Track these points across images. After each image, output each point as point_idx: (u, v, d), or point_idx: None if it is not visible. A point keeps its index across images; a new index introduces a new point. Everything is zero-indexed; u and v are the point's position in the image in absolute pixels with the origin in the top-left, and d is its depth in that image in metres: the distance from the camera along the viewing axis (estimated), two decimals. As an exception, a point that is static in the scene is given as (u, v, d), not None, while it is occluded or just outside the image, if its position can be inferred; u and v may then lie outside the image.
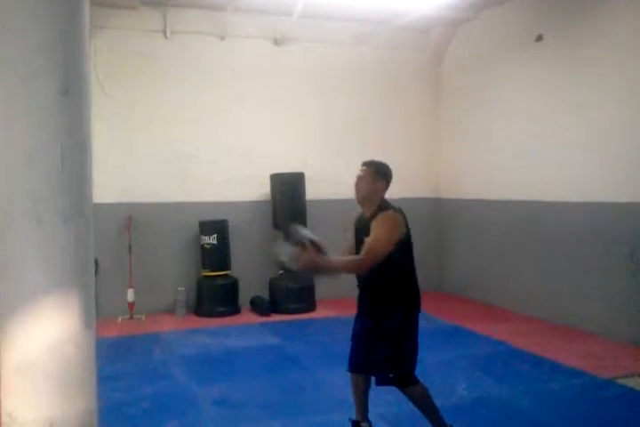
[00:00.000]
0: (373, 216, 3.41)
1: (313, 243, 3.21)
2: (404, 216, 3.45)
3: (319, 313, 7.64)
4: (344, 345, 6.24)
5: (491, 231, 7.71)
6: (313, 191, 8.01)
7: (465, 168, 8.43)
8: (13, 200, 2.10)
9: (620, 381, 4.84)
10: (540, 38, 6.98)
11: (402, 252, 3.38)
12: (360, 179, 3.59)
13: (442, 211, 8.82)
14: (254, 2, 7.42)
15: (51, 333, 2.14)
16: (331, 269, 3.28)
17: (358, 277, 3.61)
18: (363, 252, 3.28)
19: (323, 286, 7.89)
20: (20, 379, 2.13)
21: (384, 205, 3.47)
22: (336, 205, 8.44)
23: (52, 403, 2.14)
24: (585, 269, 6.42)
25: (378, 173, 3.57)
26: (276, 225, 7.85)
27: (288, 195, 7.72)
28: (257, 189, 8.06)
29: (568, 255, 6.62)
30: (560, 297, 6.72)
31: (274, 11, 7.73)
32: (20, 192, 2.09)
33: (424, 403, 3.48)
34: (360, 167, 3.64)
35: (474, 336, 6.25)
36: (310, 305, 7.77)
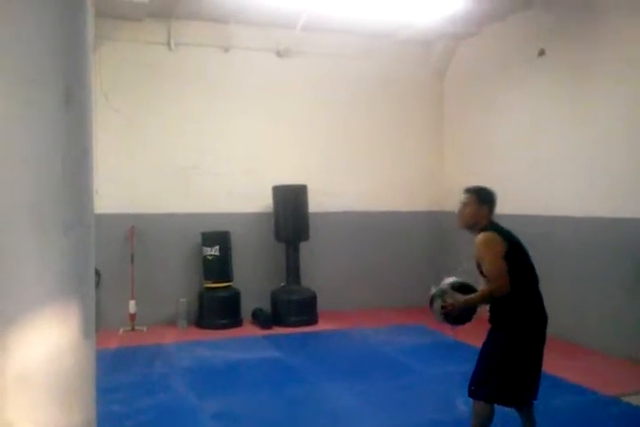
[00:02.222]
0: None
1: (453, 286, 3.42)
2: (505, 232, 3.50)
3: (321, 326, 7.60)
4: (345, 358, 6.20)
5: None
6: (316, 204, 8.01)
7: (468, 182, 8.37)
8: (14, 208, 2.08)
9: (625, 398, 4.78)
10: (542, 53, 7.00)
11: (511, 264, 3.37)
12: (464, 206, 3.61)
13: (445, 225, 8.78)
14: (258, 14, 7.47)
15: (50, 343, 2.11)
16: (474, 304, 3.41)
17: None
18: (487, 281, 3.34)
19: (325, 299, 7.87)
20: (19, 389, 2.11)
21: (490, 228, 3.52)
22: (339, 217, 8.46)
23: (51, 414, 2.11)
24: (586, 285, 6.37)
25: (481, 200, 3.59)
26: (278, 238, 7.83)
27: (291, 207, 7.71)
28: (260, 200, 8.05)
29: (569, 270, 6.57)
30: (561, 313, 6.63)
31: (277, 23, 7.79)
32: (20, 201, 2.07)
33: (478, 423, 3.45)
34: (462, 194, 3.67)
35: (475, 351, 6.18)
36: (312, 318, 7.73)
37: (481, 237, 3.42)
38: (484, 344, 3.51)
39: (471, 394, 3.43)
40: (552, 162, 6.91)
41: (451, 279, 3.51)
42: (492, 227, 3.52)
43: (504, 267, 3.29)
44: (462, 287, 3.44)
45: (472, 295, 3.35)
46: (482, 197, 3.60)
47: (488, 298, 3.36)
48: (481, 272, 3.46)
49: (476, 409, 3.43)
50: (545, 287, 6.89)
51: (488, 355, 3.45)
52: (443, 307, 3.38)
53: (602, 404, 4.73)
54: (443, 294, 3.39)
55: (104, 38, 7.10)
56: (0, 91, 2.05)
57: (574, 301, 6.49)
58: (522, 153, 7.39)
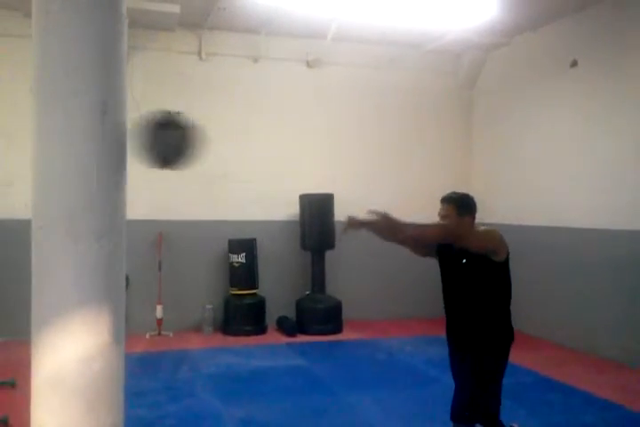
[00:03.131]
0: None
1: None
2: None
3: (346, 335, 7.58)
4: (370, 368, 6.17)
5: (522, 257, 7.56)
6: (342, 212, 7.98)
7: (496, 192, 8.35)
8: (49, 216, 2.14)
9: (656, 414, 4.69)
10: (574, 64, 6.93)
11: (497, 276, 3.20)
12: (443, 218, 3.28)
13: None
14: (288, 25, 7.55)
15: (81, 347, 2.16)
16: (401, 225, 3.10)
17: (449, 305, 3.43)
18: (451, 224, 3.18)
19: (351, 308, 7.85)
20: (50, 392, 2.16)
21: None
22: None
23: (80, 417, 2.16)
24: (617, 299, 6.26)
25: (462, 209, 3.28)
26: (304, 246, 7.86)
27: (317, 215, 7.73)
28: (286, 209, 8.09)
29: (601, 284, 6.46)
30: (591, 326, 6.56)
31: (307, 34, 7.86)
32: (55, 208, 2.13)
33: None
34: (440, 205, 3.35)
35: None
36: (337, 327, 7.72)
37: (490, 230, 3.23)
38: (466, 367, 3.27)
39: (463, 420, 3.23)
40: (582, 173, 6.82)
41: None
42: None
43: (465, 237, 3.10)
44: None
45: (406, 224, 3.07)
46: (463, 207, 3.27)
47: (419, 229, 3.12)
48: (446, 271, 3.35)
49: None
50: (577, 300, 6.80)
51: (476, 377, 3.22)
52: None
53: (632, 420, 4.63)
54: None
55: (136, 48, 7.23)
56: (40, 104, 2.12)
57: (607, 315, 6.38)
58: (552, 164, 7.31)
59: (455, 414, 3.30)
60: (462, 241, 3.12)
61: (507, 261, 3.25)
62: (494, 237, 3.19)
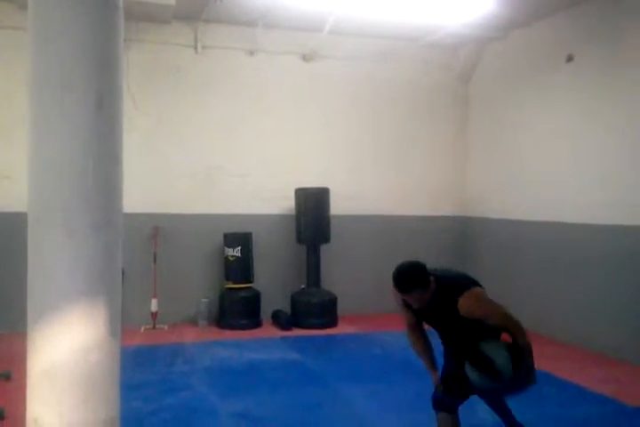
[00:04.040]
0: (450, 300, 3.17)
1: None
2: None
3: (340, 329, 7.61)
4: (365, 362, 6.20)
5: (517, 251, 7.63)
6: (338, 207, 8.03)
7: (491, 187, 8.37)
8: (45, 209, 2.14)
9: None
10: (570, 59, 6.94)
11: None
12: (418, 301, 3.25)
13: (467, 230, 8.75)
14: (284, 18, 7.53)
15: (77, 340, 2.16)
16: (531, 365, 3.18)
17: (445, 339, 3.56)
18: (511, 331, 3.20)
19: (345, 302, 7.89)
20: (46, 385, 2.16)
21: (447, 286, 3.24)
22: (360, 220, 8.47)
23: (76, 410, 2.16)
24: (614, 295, 6.29)
25: (425, 285, 3.19)
26: (299, 240, 7.87)
27: (312, 209, 7.74)
28: (282, 203, 8.10)
29: (597, 280, 6.50)
30: (587, 322, 6.59)
31: (303, 27, 7.83)
32: (51, 201, 2.13)
33: None
34: (404, 294, 3.26)
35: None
36: (332, 321, 7.74)
37: (472, 295, 3.18)
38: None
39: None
40: (579, 169, 6.83)
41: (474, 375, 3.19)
42: (450, 283, 3.27)
43: (512, 316, 3.20)
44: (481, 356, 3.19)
45: (525, 363, 3.12)
46: (424, 283, 3.19)
47: (530, 350, 3.19)
48: (469, 327, 3.29)
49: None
50: (573, 296, 6.82)
51: None
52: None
53: (626, 414, 4.67)
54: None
55: (131, 41, 7.20)
56: (36, 97, 2.11)
57: (603, 310, 6.42)
58: (547, 158, 7.33)
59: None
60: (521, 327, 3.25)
61: None
62: (494, 302, 3.29)
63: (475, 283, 3.38)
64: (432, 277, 3.22)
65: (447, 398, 3.45)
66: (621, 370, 5.84)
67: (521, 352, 3.14)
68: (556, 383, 5.40)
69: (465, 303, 3.13)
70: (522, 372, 3.11)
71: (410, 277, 3.20)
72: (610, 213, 6.33)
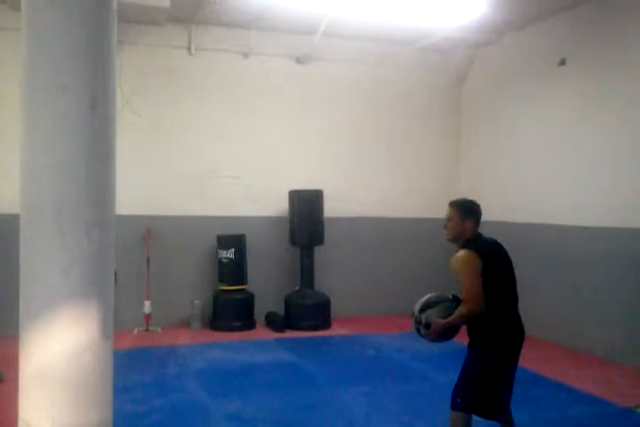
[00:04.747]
0: None
1: (428, 305, 3.47)
2: (487, 246, 3.53)
3: (334, 331, 7.61)
4: (358, 364, 6.20)
5: (511, 254, 7.62)
6: (331, 209, 8.04)
7: (485, 189, 8.39)
8: (37, 210, 2.14)
9: (640, 410, 4.75)
10: (563, 62, 6.98)
11: (492, 283, 3.38)
12: (448, 220, 3.61)
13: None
14: (278, 21, 7.54)
15: (69, 342, 2.15)
16: (454, 325, 3.39)
17: None
18: (463, 300, 3.35)
19: (339, 304, 7.89)
20: (38, 387, 2.15)
21: (472, 241, 3.51)
22: (354, 222, 8.48)
23: (69, 412, 2.16)
24: (604, 296, 6.32)
25: (465, 213, 3.58)
26: (293, 242, 7.87)
27: (306, 212, 7.74)
28: (275, 205, 8.10)
29: (589, 281, 6.52)
30: (578, 323, 6.62)
31: (297, 30, 7.85)
32: (44, 203, 2.12)
33: None
34: (447, 208, 3.65)
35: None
36: (325, 322, 7.74)
37: (457, 254, 3.45)
38: (467, 359, 3.52)
39: (455, 406, 3.43)
40: (573, 171, 6.87)
41: (424, 299, 3.52)
42: (475, 240, 3.53)
43: (478, 287, 3.29)
44: (439, 302, 3.47)
45: (449, 318, 3.35)
46: (465, 211, 3.59)
47: (465, 319, 3.36)
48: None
49: (454, 421, 3.42)
50: (566, 298, 6.85)
51: (471, 369, 3.45)
52: (427, 334, 3.43)
53: (616, 415, 4.69)
54: (419, 321, 3.44)
55: (125, 43, 7.19)
56: (30, 98, 2.11)
57: (595, 312, 6.45)
58: (541, 161, 7.36)
59: (451, 400, 3.47)
60: (477, 290, 3.32)
61: (491, 270, 3.42)
62: (471, 267, 3.38)
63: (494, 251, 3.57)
64: (472, 220, 3.56)
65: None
66: (612, 371, 5.87)
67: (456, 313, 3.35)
68: (547, 385, 5.42)
69: (452, 258, 3.46)
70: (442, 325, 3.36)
71: (463, 200, 3.71)
72: (602, 216, 6.36)
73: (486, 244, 3.56)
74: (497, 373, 3.42)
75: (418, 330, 3.51)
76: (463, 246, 3.50)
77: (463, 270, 3.37)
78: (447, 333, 3.43)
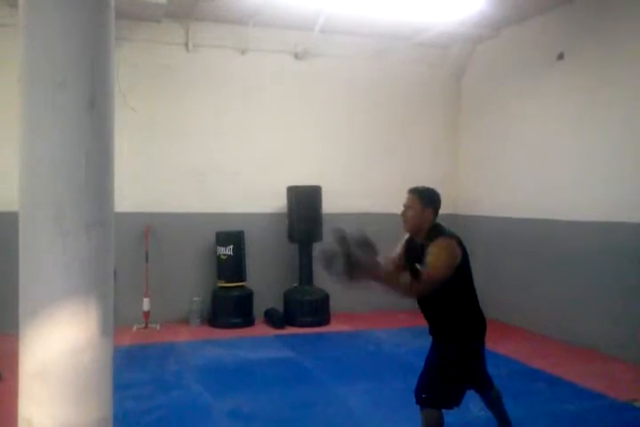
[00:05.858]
0: (427, 242, 3.29)
1: (362, 243, 3.18)
2: (460, 241, 3.31)
3: (333, 327, 7.61)
4: (358, 360, 6.21)
5: (509, 249, 7.65)
6: (330, 205, 8.03)
7: (483, 184, 8.40)
8: (37, 208, 2.13)
9: (639, 404, 4.76)
10: (561, 57, 6.97)
11: (458, 279, 3.26)
12: (407, 208, 3.41)
13: (458, 227, 8.73)
14: (276, 17, 7.51)
15: (69, 340, 2.15)
16: (386, 283, 3.17)
17: (420, 305, 3.54)
18: (421, 277, 3.17)
19: (338, 300, 7.89)
20: (38, 385, 2.15)
21: (437, 230, 3.33)
22: (352, 218, 8.45)
23: (69, 410, 2.15)
24: (603, 291, 6.33)
25: (425, 201, 3.39)
26: (291, 238, 7.86)
27: (305, 208, 7.74)
28: (274, 201, 8.09)
29: (586, 276, 6.53)
30: (578, 318, 6.63)
31: (295, 26, 7.82)
32: (44, 201, 2.12)
33: None
34: (406, 195, 3.45)
35: (489, 355, 6.17)
36: (325, 319, 7.75)
37: (446, 242, 3.24)
38: (435, 356, 3.46)
39: (422, 402, 3.35)
40: (570, 166, 6.87)
41: (365, 235, 3.20)
42: (450, 234, 3.33)
43: (443, 279, 3.14)
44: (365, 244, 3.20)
45: (394, 276, 3.21)
46: (426, 199, 3.38)
47: (404, 292, 3.21)
48: (409, 263, 3.39)
49: (427, 417, 3.35)
50: (564, 292, 6.86)
51: (440, 366, 3.38)
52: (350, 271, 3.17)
53: (615, 409, 4.71)
54: (348, 254, 3.12)
55: (122, 39, 7.16)
56: (28, 96, 2.10)
57: (593, 306, 6.46)
58: (539, 156, 7.36)
59: (415, 395, 3.40)
60: (441, 280, 3.17)
61: (465, 262, 3.32)
62: (452, 257, 3.23)
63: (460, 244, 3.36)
64: (432, 210, 3.37)
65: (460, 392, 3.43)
66: (613, 366, 5.88)
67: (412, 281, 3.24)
68: (547, 379, 5.43)
69: (436, 243, 3.23)
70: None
71: (424, 188, 3.48)
72: (600, 211, 6.37)
73: (454, 233, 3.38)
74: (470, 363, 3.41)
75: (330, 259, 3.26)
76: (436, 235, 3.28)
77: (443, 257, 3.17)
78: (359, 282, 3.21)
